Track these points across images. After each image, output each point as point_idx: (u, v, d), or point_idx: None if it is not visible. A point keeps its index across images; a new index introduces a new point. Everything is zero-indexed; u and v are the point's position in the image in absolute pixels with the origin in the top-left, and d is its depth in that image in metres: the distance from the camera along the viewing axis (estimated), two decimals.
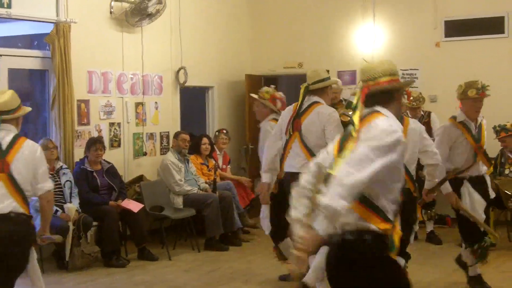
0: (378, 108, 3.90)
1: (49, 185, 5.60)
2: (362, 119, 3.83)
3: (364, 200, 3.70)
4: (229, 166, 11.18)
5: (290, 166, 6.75)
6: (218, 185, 10.21)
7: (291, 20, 12.62)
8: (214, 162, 10.58)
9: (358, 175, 3.56)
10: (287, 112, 6.92)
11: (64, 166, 8.77)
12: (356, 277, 3.75)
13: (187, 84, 11.03)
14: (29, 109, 5.79)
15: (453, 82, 10.97)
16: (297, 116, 6.71)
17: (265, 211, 7.47)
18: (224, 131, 11.14)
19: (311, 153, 6.45)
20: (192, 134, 10.77)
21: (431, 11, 11.44)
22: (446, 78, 11.09)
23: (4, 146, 5.40)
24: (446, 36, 11.38)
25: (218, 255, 9.31)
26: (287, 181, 6.65)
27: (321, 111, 6.68)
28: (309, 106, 6.73)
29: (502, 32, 10.98)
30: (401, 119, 6.93)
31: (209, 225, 9.64)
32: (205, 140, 10.56)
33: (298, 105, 6.77)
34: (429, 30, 11.48)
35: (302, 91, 6.77)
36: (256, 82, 12.57)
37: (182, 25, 10.90)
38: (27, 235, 5.49)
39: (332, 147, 3.98)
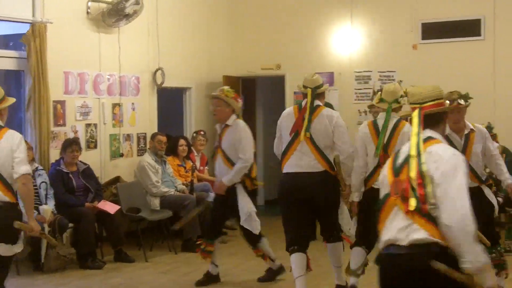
0: (428, 132, 4.14)
1: (24, 168, 5.68)
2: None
3: (432, 219, 3.87)
4: (206, 167, 11.14)
5: (294, 166, 6.98)
6: (196, 186, 10.19)
7: (269, 22, 12.63)
8: (191, 163, 10.56)
9: (469, 212, 3.81)
10: (288, 115, 7.14)
11: (40, 167, 8.70)
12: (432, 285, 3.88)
13: (164, 85, 11.00)
14: (12, 100, 5.96)
15: (429, 84, 11.09)
16: (305, 119, 6.96)
17: (253, 209, 7.66)
18: (202, 133, 11.11)
19: (322, 154, 6.91)
20: (169, 136, 10.73)
21: (408, 13, 11.49)
22: (423, 80, 11.07)
23: None
24: (423, 38, 11.45)
25: (195, 256, 9.23)
26: (288, 180, 7.00)
27: (329, 114, 7.02)
28: (315, 109, 7.00)
29: (479, 34, 11.05)
30: (398, 121, 6.98)
31: (186, 227, 9.61)
32: (182, 141, 10.53)
33: (308, 108, 6.97)
34: (406, 33, 11.54)
35: (309, 94, 7.01)
36: (233, 83, 12.54)
37: (159, 26, 10.87)
38: (14, 221, 5.68)
39: (385, 174, 4.14)
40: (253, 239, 7.87)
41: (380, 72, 11.75)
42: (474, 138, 6.85)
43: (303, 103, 7.08)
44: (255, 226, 7.68)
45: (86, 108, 9.75)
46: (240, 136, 7.61)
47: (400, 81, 7.73)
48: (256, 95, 13.99)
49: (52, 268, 8.34)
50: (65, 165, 8.92)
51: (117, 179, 10.02)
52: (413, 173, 3.92)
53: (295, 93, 12.28)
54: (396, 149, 6.63)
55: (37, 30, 8.82)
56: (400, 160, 4.09)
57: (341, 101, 11.87)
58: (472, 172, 6.78)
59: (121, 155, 10.31)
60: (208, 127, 11.83)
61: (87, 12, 9.73)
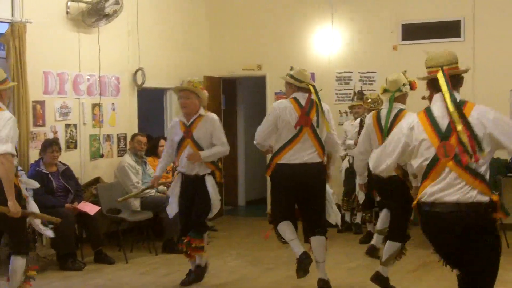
0: (457, 94, 4.59)
1: (3, 147, 5.95)
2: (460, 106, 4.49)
3: (480, 177, 4.37)
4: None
5: (294, 158, 7.18)
6: None
7: (250, 22, 12.63)
8: (172, 164, 10.51)
9: None
10: (286, 109, 7.26)
11: (19, 168, 8.58)
12: (486, 239, 4.39)
13: (144, 85, 10.96)
14: (12, 83, 6.51)
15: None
16: (307, 113, 7.23)
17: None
18: None
19: (322, 147, 7.28)
20: (150, 136, 10.70)
21: (389, 14, 11.54)
22: None
23: None
24: (403, 39, 11.51)
25: (175, 257, 9.23)
26: (287, 169, 7.19)
27: (326, 108, 7.41)
28: (313, 103, 7.33)
29: (458, 36, 11.12)
30: (400, 111, 7.05)
31: (166, 228, 9.59)
32: (162, 142, 10.49)
33: (318, 102, 7.32)
34: (387, 34, 11.58)
35: (313, 90, 7.36)
36: (214, 83, 12.55)
37: (139, 26, 10.83)
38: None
39: (425, 137, 4.50)
40: (203, 229, 7.80)
41: (361, 73, 11.78)
42: None
43: (301, 98, 7.29)
44: (215, 212, 7.85)
45: (66, 109, 9.69)
46: (217, 126, 7.76)
47: (405, 71, 7.76)
48: (237, 96, 14.01)
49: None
50: (44, 165, 8.86)
51: (97, 180, 9.96)
52: (459, 126, 4.36)
53: (276, 93, 12.29)
54: None
55: (16, 30, 8.75)
56: (442, 124, 4.47)
57: (322, 102, 11.86)
58: None
59: (101, 156, 10.26)
60: None
61: (67, 12, 9.67)
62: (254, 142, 7.44)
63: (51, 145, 8.91)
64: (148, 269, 8.76)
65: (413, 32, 11.43)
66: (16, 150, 6.45)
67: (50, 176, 8.85)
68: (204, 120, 7.70)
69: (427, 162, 4.46)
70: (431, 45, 11.22)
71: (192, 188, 7.71)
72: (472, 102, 4.55)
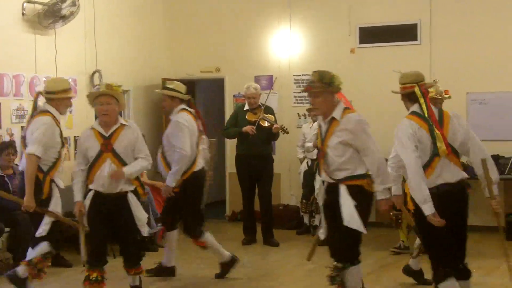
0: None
1: (28, 148, 6.80)
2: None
3: (458, 156, 5.74)
4: (145, 170, 11.03)
5: (202, 162, 8.27)
6: None
7: (209, 24, 12.62)
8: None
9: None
10: (191, 122, 8.04)
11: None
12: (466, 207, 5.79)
13: None
14: (68, 95, 7.22)
15: (367, 88, 11.27)
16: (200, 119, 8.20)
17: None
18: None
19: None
20: None
21: (346, 17, 11.62)
22: (361, 84, 11.29)
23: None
24: (361, 42, 11.58)
25: None
26: (201, 176, 8.33)
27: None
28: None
29: (415, 39, 11.24)
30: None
31: None
32: None
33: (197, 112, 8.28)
34: (344, 37, 11.65)
35: (193, 100, 8.37)
36: None
37: (96, 28, 10.75)
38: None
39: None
40: (139, 259, 7.25)
41: None
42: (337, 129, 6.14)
43: (190, 109, 8.13)
44: (146, 232, 7.12)
45: (22, 111, 9.57)
46: (141, 136, 7.07)
47: (434, 80, 7.86)
48: (195, 98, 13.95)
49: None
50: (0, 168, 8.75)
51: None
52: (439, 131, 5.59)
53: (234, 96, 12.30)
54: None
55: None
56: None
57: (280, 105, 11.92)
58: (326, 161, 6.16)
59: None
60: (147, 130, 11.76)
61: (23, 14, 9.56)
62: (186, 154, 7.97)
63: (6, 148, 8.82)
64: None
65: (371, 35, 11.53)
66: (60, 152, 7.19)
67: (6, 178, 8.75)
68: (126, 130, 6.88)
69: (430, 153, 5.59)
70: (388, 48, 11.38)
71: (110, 209, 6.86)
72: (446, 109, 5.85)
